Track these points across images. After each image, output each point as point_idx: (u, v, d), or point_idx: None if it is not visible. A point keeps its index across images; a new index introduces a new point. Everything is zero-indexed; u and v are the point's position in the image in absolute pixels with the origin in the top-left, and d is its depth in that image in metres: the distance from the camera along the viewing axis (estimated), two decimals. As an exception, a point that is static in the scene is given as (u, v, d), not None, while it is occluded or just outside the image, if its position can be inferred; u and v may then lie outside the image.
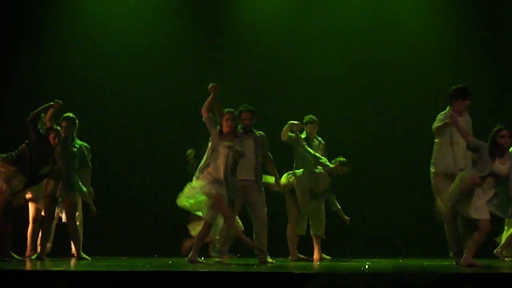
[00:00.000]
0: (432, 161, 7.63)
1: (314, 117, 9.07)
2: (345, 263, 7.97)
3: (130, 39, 11.29)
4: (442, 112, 7.74)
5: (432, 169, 7.58)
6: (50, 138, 7.66)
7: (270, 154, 8.05)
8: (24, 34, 10.98)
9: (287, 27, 11.52)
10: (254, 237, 7.65)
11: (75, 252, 8.45)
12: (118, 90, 11.17)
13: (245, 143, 7.69)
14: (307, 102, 11.12)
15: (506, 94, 11.05)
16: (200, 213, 7.53)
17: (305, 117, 9.03)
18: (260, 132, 7.99)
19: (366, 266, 6.80)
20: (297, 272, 5.54)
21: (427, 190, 8.08)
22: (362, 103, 11.26)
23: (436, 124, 7.55)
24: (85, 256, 8.24)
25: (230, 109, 7.59)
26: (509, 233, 8.62)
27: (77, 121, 8.44)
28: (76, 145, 8.42)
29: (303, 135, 8.84)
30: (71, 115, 8.33)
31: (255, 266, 7.00)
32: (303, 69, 11.43)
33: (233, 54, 11.41)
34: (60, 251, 8.65)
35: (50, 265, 6.71)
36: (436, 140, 7.64)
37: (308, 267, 6.56)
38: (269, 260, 7.50)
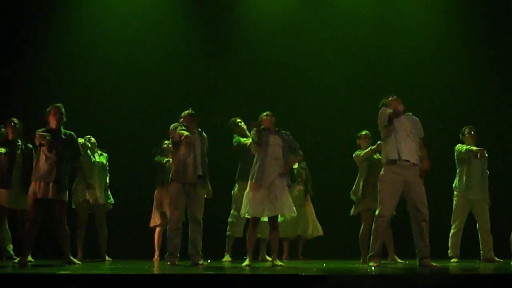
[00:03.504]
0: None
1: None
2: (351, 265, 7.94)
3: (136, 41, 11.34)
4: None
5: None
6: None
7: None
8: (29, 36, 11.02)
9: (293, 30, 11.57)
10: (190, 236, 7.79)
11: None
12: (124, 93, 11.21)
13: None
14: (312, 103, 11.13)
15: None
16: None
17: None
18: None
19: (373, 268, 6.78)
20: (305, 274, 5.52)
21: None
22: (366, 105, 11.26)
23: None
24: (74, 260, 8.14)
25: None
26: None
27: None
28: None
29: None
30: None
31: (261, 268, 6.99)
32: (308, 71, 11.46)
33: (238, 57, 11.43)
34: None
35: (57, 268, 6.69)
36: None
37: (315, 269, 6.53)
38: (203, 262, 7.67)
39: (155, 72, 11.34)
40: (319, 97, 11.38)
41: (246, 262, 7.50)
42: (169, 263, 7.69)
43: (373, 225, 7.30)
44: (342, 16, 11.58)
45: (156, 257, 9.52)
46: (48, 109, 7.85)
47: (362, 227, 8.56)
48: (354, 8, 11.53)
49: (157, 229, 9.48)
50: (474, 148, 8.96)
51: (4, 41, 10.85)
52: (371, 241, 7.29)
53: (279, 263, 7.61)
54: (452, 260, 8.90)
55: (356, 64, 11.43)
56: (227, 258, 9.11)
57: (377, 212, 7.25)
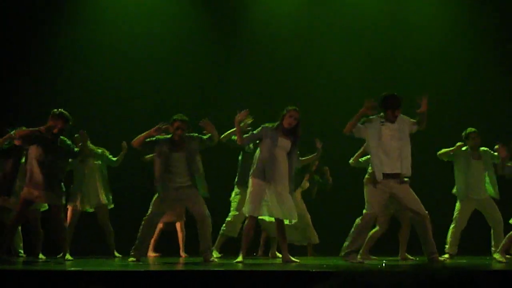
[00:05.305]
0: None
1: None
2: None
3: (143, 40, 11.33)
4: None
5: None
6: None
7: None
8: (35, 37, 11.02)
9: (300, 28, 11.54)
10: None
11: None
12: (131, 92, 11.19)
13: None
14: (319, 102, 11.10)
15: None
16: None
17: None
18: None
19: (383, 264, 6.75)
20: (315, 270, 5.50)
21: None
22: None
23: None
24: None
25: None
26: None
27: None
28: None
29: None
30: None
31: (272, 265, 6.98)
32: (316, 68, 11.43)
33: (246, 53, 11.41)
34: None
35: (68, 265, 6.71)
36: None
37: (325, 266, 6.51)
38: (213, 258, 7.68)
39: (159, 70, 11.32)
40: (326, 94, 11.34)
41: (239, 258, 7.29)
42: (134, 258, 7.53)
43: (360, 221, 7.03)
44: (350, 14, 11.53)
45: (181, 254, 9.37)
46: (57, 112, 7.73)
47: (402, 227, 8.48)
48: (363, 7, 11.49)
49: (177, 224, 9.40)
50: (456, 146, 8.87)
51: (12, 36, 10.86)
52: (353, 236, 6.96)
53: (293, 259, 7.49)
54: (446, 256, 8.71)
55: (364, 62, 11.38)
56: (215, 254, 8.99)
57: (364, 211, 7.03)
